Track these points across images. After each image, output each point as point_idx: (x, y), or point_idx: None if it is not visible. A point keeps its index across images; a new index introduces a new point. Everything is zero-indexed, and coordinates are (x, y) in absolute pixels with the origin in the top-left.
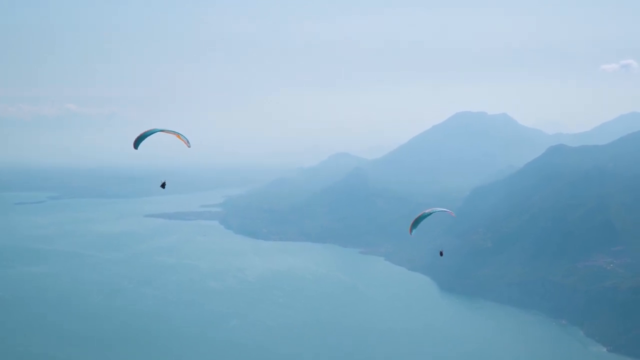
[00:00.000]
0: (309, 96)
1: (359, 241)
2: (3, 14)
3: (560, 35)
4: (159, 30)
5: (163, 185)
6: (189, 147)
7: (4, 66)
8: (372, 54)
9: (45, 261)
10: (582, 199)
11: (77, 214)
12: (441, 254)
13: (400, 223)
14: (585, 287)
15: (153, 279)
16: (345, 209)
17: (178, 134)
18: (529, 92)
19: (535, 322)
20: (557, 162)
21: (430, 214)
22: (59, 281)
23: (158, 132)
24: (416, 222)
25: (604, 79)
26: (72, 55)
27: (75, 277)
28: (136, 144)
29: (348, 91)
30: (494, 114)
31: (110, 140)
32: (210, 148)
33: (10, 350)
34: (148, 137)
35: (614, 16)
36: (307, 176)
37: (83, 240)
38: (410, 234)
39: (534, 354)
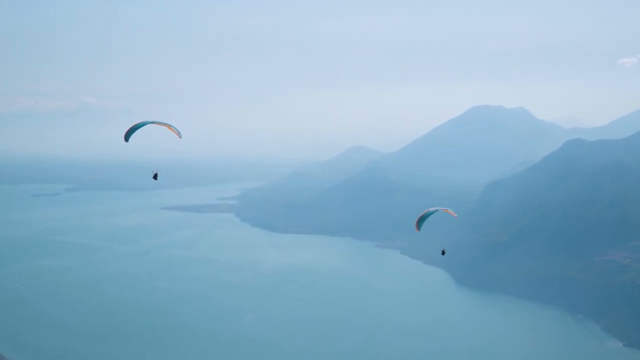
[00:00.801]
0: (324, 93)
1: (375, 235)
2: (23, 9)
3: (579, 30)
4: (173, 27)
5: (155, 177)
6: (180, 137)
7: (22, 60)
8: (388, 50)
9: (61, 254)
10: (598, 193)
11: (93, 207)
12: (443, 252)
13: (416, 216)
14: (602, 281)
15: (168, 273)
16: (362, 203)
17: (169, 125)
18: (547, 87)
19: (551, 316)
20: (574, 156)
21: (434, 212)
22: (74, 274)
23: (150, 124)
24: (421, 220)
25: (622, 73)
26: (89, 49)
27: (91, 270)
28: (127, 136)
29: (364, 88)
30: (512, 107)
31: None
32: (225, 143)
33: (26, 343)
34: (147, 133)
35: (632, 10)
36: (324, 170)
37: (99, 233)
38: (418, 230)
39: (550, 348)
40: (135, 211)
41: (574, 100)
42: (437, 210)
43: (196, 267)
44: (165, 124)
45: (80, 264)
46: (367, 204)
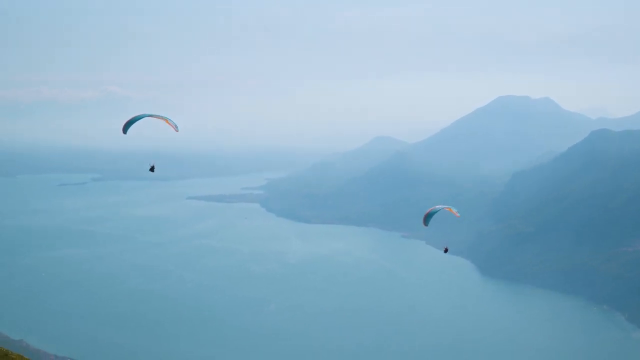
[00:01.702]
0: (350, 83)
1: (400, 225)
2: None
3: (608, 20)
4: (198, 17)
5: (152, 169)
6: (177, 131)
7: (47, 50)
8: (414, 40)
9: (87, 243)
10: (624, 183)
11: (118, 196)
12: (446, 250)
13: (441, 207)
14: (627, 272)
15: (193, 263)
16: (387, 193)
17: (166, 119)
18: (574, 77)
19: (576, 307)
20: (600, 146)
21: (439, 210)
22: (100, 264)
23: (148, 117)
24: (428, 217)
25: None
26: (114, 39)
27: (116, 260)
28: (125, 128)
29: (390, 78)
30: (537, 98)
31: (152, 123)
32: (251, 132)
33: (53, 331)
34: (144, 125)
35: None
36: (349, 159)
37: (124, 222)
38: (425, 225)
39: (574, 339)
40: (161, 201)
41: (602, 91)
42: (442, 209)
43: (221, 257)
44: (162, 117)
45: (106, 253)
46: (392, 194)
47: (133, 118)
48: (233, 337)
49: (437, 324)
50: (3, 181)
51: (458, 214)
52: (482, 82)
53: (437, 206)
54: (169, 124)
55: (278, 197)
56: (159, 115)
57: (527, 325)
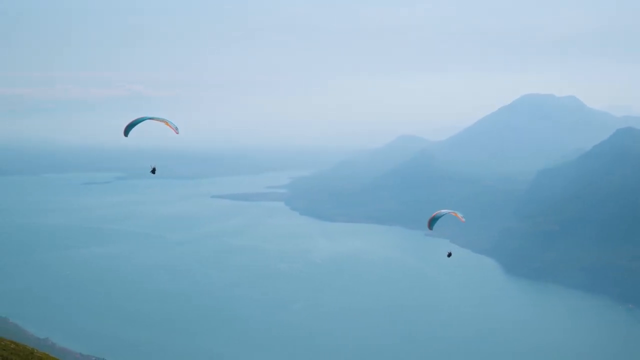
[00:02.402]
0: (374, 81)
1: (423, 223)
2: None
3: (632, 18)
4: (221, 15)
5: (153, 171)
6: (178, 133)
7: (74, 50)
8: (439, 38)
9: (112, 242)
10: None
11: (143, 195)
12: (449, 255)
13: (467, 205)
14: None
15: (218, 261)
16: (411, 191)
17: (166, 121)
18: (598, 75)
19: (602, 306)
20: (626, 144)
21: (444, 214)
22: (125, 262)
23: (149, 120)
24: (433, 221)
25: None
26: (138, 38)
27: (141, 258)
28: (126, 131)
29: (414, 76)
30: (562, 96)
31: (176, 122)
32: (275, 131)
33: (79, 330)
34: (143, 126)
35: None
36: (373, 158)
37: (149, 221)
38: (430, 229)
39: (600, 338)
40: (185, 199)
41: (627, 89)
42: (447, 213)
43: (246, 256)
44: (162, 120)
45: (131, 252)
46: (416, 192)
47: (134, 121)
48: (258, 336)
49: (461, 322)
50: (28, 180)
51: (463, 219)
52: (507, 81)
53: (442, 210)
54: (169, 126)
55: (302, 196)
56: (159, 118)
57: (552, 324)
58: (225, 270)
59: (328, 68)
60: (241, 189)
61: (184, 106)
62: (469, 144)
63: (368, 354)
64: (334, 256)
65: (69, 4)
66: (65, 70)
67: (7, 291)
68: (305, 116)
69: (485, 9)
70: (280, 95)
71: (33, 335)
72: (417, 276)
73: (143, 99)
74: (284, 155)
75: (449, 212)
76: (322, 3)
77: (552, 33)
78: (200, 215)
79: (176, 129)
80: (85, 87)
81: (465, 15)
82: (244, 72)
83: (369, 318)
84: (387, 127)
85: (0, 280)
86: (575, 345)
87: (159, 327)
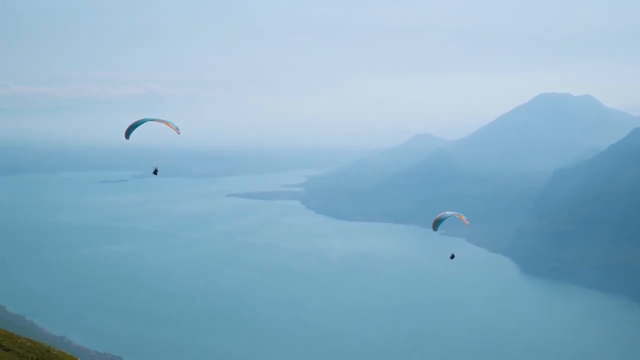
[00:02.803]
0: (389, 79)
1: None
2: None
3: None
4: (237, 14)
5: (155, 172)
6: (179, 134)
7: (92, 48)
8: (454, 37)
9: (128, 240)
10: None
11: (159, 193)
12: (452, 256)
13: (482, 204)
14: None
15: (234, 259)
16: (427, 190)
17: (168, 122)
18: (615, 74)
19: (618, 306)
20: None
21: (449, 216)
22: (141, 260)
23: (150, 121)
24: (437, 223)
25: None
26: (154, 38)
27: (156, 257)
28: (127, 134)
29: (429, 75)
30: (578, 95)
31: (192, 120)
32: (290, 130)
33: (95, 328)
34: (141, 126)
35: None
36: (389, 157)
37: (165, 219)
38: (435, 230)
39: (616, 338)
40: (201, 198)
41: None
42: (451, 215)
43: (261, 254)
44: (164, 121)
45: (146, 250)
46: (432, 191)
47: (135, 123)
48: (273, 334)
49: (476, 321)
50: (45, 178)
51: (468, 222)
52: (523, 80)
53: (446, 212)
54: (171, 127)
55: (318, 194)
56: (160, 119)
57: (567, 323)
58: (241, 269)
59: (343, 67)
60: (257, 187)
61: (200, 105)
62: (485, 143)
63: (383, 352)
64: (349, 255)
65: (85, 3)
66: (81, 69)
67: (23, 289)
68: (321, 115)
69: (501, 7)
70: (296, 94)
71: (49, 334)
72: (433, 275)
73: (159, 97)
74: (300, 154)
75: (454, 214)
76: (338, 3)
77: (568, 32)
78: (215, 214)
79: (177, 130)
80: (102, 86)
81: (481, 14)
82: (260, 71)
83: (383, 316)
84: (403, 126)
85: (17, 278)
86: (591, 345)
87: (174, 325)
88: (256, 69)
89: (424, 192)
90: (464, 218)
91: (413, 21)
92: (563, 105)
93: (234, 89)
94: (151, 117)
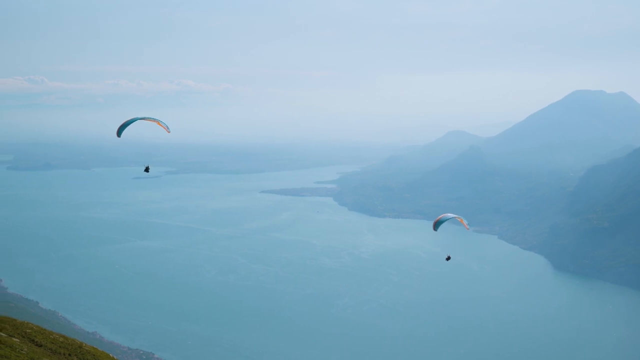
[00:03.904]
0: (422, 76)
1: (473, 219)
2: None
3: None
4: (268, 10)
5: (147, 170)
6: (169, 132)
7: (124, 43)
8: (486, 34)
9: (160, 236)
10: None
11: (192, 190)
12: (448, 258)
13: (515, 201)
14: None
15: (266, 256)
16: (460, 187)
17: (158, 121)
18: None
19: None
20: None
21: (450, 218)
22: (173, 256)
23: (141, 120)
24: (438, 223)
25: None
26: (187, 33)
27: (189, 253)
28: (119, 132)
29: (463, 71)
30: (612, 92)
31: (225, 116)
32: (322, 126)
33: (127, 323)
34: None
35: None
36: (422, 154)
37: (198, 215)
38: (435, 230)
39: None
40: (234, 194)
41: None
42: (452, 217)
43: (293, 251)
44: (154, 120)
45: (178, 245)
46: (465, 188)
47: (126, 122)
48: (304, 331)
49: (509, 318)
50: (79, 174)
51: (468, 227)
52: (557, 77)
53: (448, 214)
54: (161, 125)
55: (351, 191)
56: (151, 118)
57: (601, 321)
58: (273, 264)
59: (377, 64)
60: (290, 184)
61: (233, 100)
62: (519, 140)
63: (415, 348)
64: (382, 251)
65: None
66: (115, 64)
67: (56, 285)
68: (354, 111)
69: (534, 4)
70: (329, 90)
71: (82, 329)
72: (465, 272)
73: (193, 93)
74: (333, 151)
75: (455, 217)
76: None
77: (601, 29)
78: (248, 210)
79: (167, 128)
80: (136, 81)
81: (514, 11)
82: (294, 67)
83: (416, 313)
84: (437, 122)
85: (50, 274)
86: (625, 343)
87: (205, 321)
88: (290, 65)
89: (457, 189)
90: (464, 222)
91: (445, 18)
92: (597, 103)
93: (267, 85)
94: (141, 116)
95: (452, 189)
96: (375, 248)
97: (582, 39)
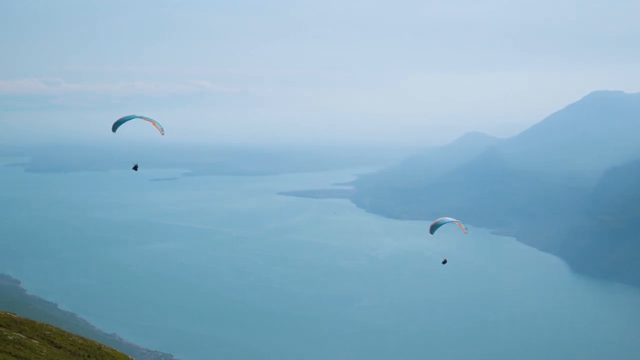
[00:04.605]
0: (439, 76)
1: (490, 221)
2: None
3: None
4: (285, 10)
5: (135, 168)
6: (163, 134)
7: (141, 45)
8: (503, 34)
9: (178, 238)
10: None
11: (210, 191)
12: (444, 262)
13: (533, 203)
14: None
15: (284, 257)
16: (478, 189)
17: (154, 122)
18: None
19: None
20: None
21: (447, 222)
22: (191, 258)
23: (137, 118)
24: (434, 227)
25: None
26: (204, 33)
27: (206, 254)
28: (114, 127)
29: (479, 71)
30: (631, 93)
31: (242, 118)
32: (338, 127)
33: (146, 325)
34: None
35: None
36: (440, 155)
37: (215, 217)
38: (431, 234)
39: None
40: (252, 196)
41: None
42: (450, 222)
43: (311, 252)
44: (150, 120)
45: (196, 247)
46: (483, 190)
47: (123, 118)
48: (323, 333)
49: (525, 319)
50: (96, 176)
51: (466, 231)
52: (575, 77)
53: (446, 218)
54: (156, 126)
55: (368, 193)
56: (147, 118)
57: (619, 323)
58: (289, 266)
59: (394, 64)
60: (307, 185)
61: (249, 101)
62: (537, 141)
63: (434, 350)
64: (399, 253)
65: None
66: (130, 65)
67: (75, 286)
68: (371, 112)
69: (552, 5)
70: (346, 92)
71: (100, 331)
72: (483, 274)
73: (209, 94)
74: (350, 152)
75: (453, 221)
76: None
77: (618, 28)
78: (265, 211)
79: (162, 130)
80: (152, 83)
81: (530, 10)
82: (310, 68)
83: (434, 315)
84: (454, 124)
85: (69, 275)
86: None
87: (223, 322)
88: (306, 66)
89: (475, 190)
90: (462, 226)
91: (462, 18)
92: (616, 103)
93: (283, 86)
94: (139, 115)
95: (469, 190)
96: (392, 250)
97: (601, 39)
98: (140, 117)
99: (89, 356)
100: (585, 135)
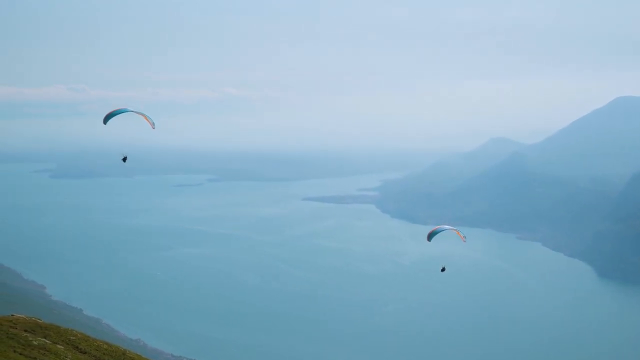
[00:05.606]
0: (464, 81)
1: (516, 226)
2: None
3: None
4: (311, 15)
5: (124, 159)
6: (154, 128)
7: (165, 51)
8: (528, 39)
9: (203, 243)
10: None
11: (235, 197)
12: (443, 269)
13: (559, 208)
14: None
15: (308, 262)
16: (503, 194)
17: (145, 116)
18: None
19: None
20: None
21: (445, 230)
22: (216, 263)
23: (129, 112)
24: (432, 234)
25: None
26: (229, 39)
27: (231, 259)
28: (105, 119)
29: (504, 76)
30: None
31: (267, 123)
32: (364, 133)
33: (170, 330)
34: (121, 116)
35: None
36: (465, 161)
37: (240, 222)
38: (429, 241)
39: None
40: (276, 201)
41: None
42: (448, 229)
43: (336, 258)
44: (141, 114)
45: (221, 253)
46: (508, 195)
47: (115, 110)
48: (348, 338)
49: (551, 324)
50: (122, 182)
51: (464, 239)
52: (600, 83)
53: (444, 226)
54: (147, 121)
55: (393, 198)
56: (138, 112)
57: None
58: (316, 271)
59: (419, 69)
60: (332, 191)
61: (273, 107)
62: (562, 146)
63: (459, 355)
64: (424, 258)
65: (158, 5)
66: (154, 71)
67: (100, 292)
68: (396, 118)
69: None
70: (370, 96)
71: (125, 336)
72: (508, 279)
73: (234, 100)
74: (375, 158)
75: (451, 229)
76: (412, 4)
77: None
78: (290, 217)
79: (153, 124)
80: (176, 89)
81: (554, 16)
82: (334, 72)
83: (460, 320)
84: (479, 129)
85: (95, 281)
86: None
87: (248, 327)
88: (330, 71)
89: (501, 196)
90: (461, 234)
91: (487, 23)
92: None
93: (308, 92)
94: (131, 109)
95: (494, 195)
96: (417, 255)
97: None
98: (133, 111)
99: None
100: (610, 141)
